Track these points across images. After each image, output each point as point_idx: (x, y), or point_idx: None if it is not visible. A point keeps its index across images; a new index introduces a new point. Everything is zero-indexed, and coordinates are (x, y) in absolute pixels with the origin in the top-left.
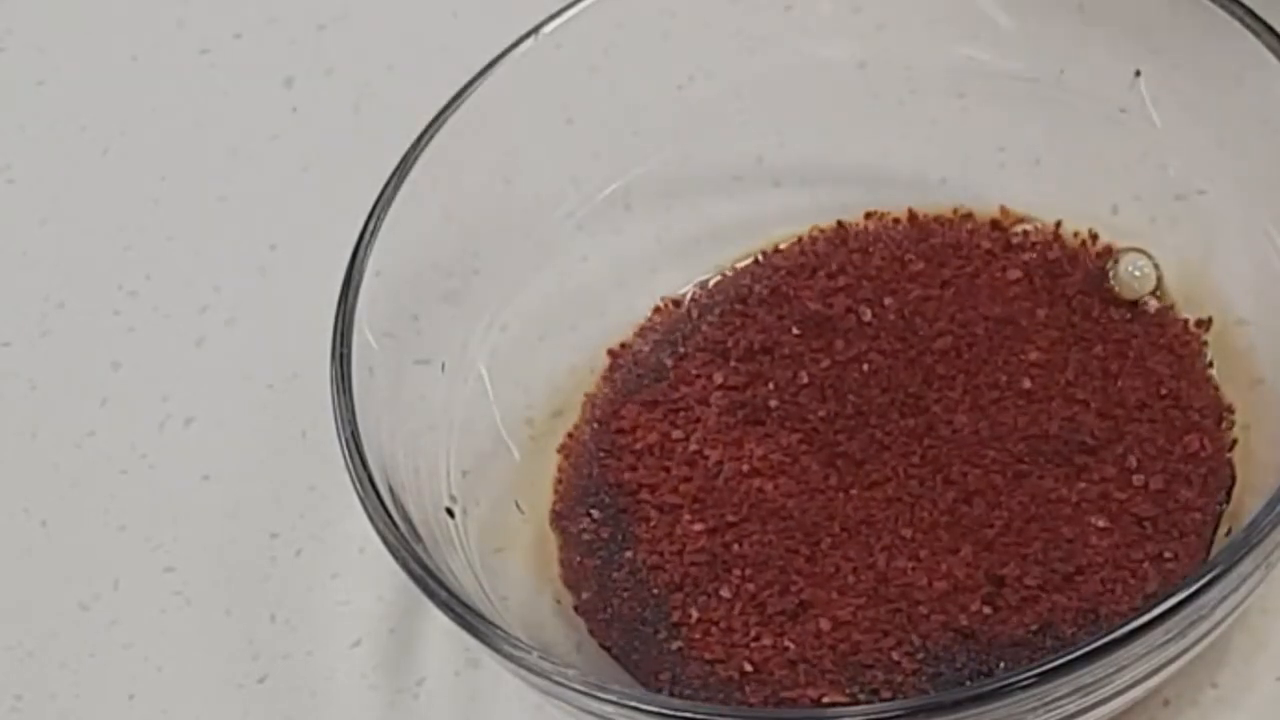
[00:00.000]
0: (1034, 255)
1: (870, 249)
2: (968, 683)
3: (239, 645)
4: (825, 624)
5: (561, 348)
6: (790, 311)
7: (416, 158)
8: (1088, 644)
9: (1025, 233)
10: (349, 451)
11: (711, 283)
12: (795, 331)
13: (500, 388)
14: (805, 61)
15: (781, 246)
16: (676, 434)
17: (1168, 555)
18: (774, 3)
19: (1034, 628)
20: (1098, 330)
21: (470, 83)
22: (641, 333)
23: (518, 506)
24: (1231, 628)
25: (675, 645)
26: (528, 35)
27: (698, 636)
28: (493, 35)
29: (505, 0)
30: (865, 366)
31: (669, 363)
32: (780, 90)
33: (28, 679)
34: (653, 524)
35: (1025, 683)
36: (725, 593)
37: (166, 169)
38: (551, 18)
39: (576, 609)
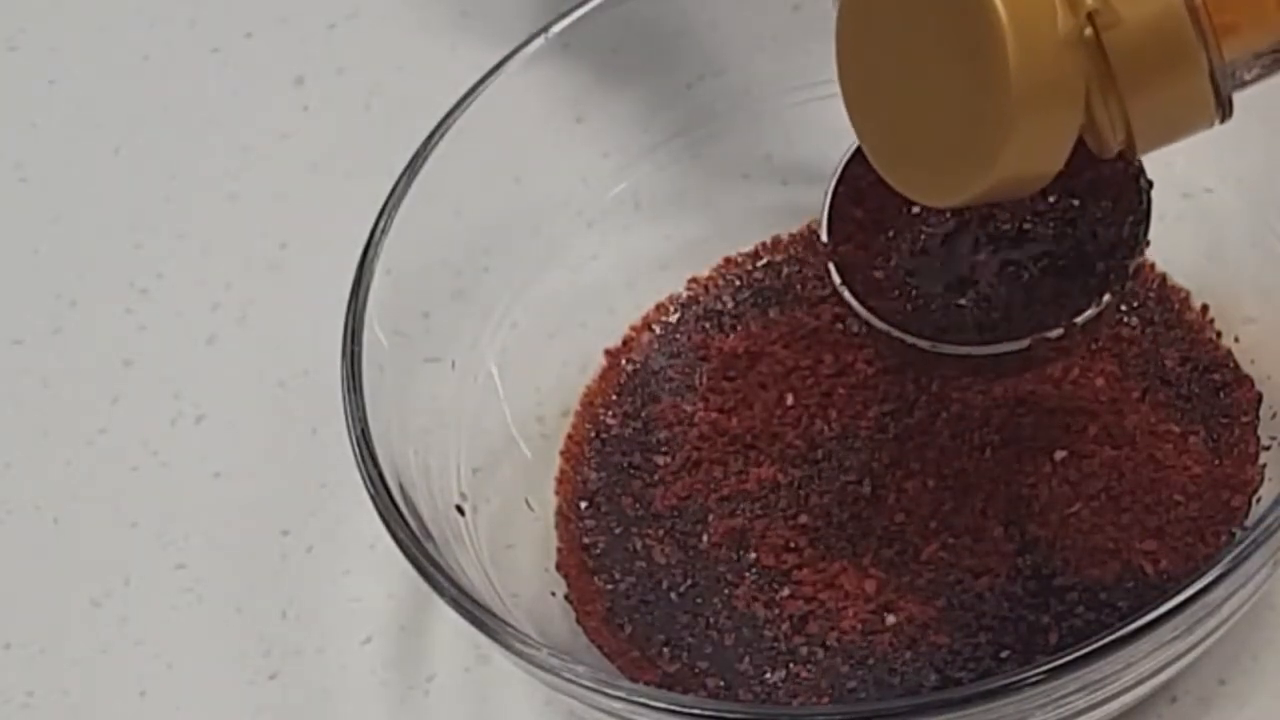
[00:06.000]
0: None
1: None
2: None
3: (250, 642)
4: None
5: (572, 345)
6: (779, 319)
7: (427, 156)
8: (1096, 640)
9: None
10: (359, 449)
11: (704, 281)
12: (783, 345)
13: (510, 385)
14: (813, 60)
15: (783, 237)
16: (662, 434)
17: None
18: (782, 2)
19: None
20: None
21: (480, 81)
22: (638, 332)
23: (528, 504)
24: (1240, 624)
25: (628, 630)
26: (537, 34)
27: (640, 632)
28: (502, 34)
29: None
30: (853, 379)
31: (661, 364)
32: (788, 89)
33: (39, 675)
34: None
35: (1033, 679)
36: (674, 596)
37: (178, 167)
38: (561, 17)
39: (566, 597)
